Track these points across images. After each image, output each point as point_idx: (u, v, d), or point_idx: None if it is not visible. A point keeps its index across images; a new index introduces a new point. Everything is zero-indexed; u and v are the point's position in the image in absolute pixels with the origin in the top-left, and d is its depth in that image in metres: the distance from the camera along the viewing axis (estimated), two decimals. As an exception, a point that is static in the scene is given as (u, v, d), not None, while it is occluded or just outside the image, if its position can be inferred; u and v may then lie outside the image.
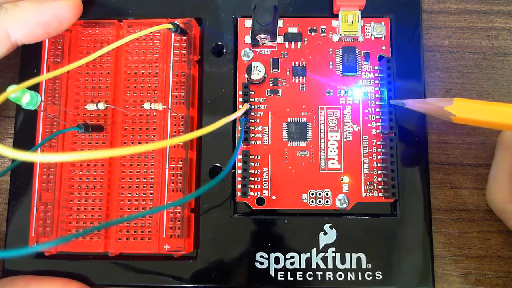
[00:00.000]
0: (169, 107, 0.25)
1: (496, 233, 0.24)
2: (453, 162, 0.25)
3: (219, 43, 0.26)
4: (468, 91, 0.26)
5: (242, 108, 0.21)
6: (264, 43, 0.26)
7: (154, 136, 0.25)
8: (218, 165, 0.25)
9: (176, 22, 0.25)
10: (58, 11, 0.23)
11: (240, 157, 0.24)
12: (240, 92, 0.25)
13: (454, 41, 0.26)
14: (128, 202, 0.24)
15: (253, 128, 0.25)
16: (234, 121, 0.25)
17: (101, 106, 0.22)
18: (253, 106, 0.25)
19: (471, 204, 0.25)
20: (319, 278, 0.24)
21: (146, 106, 0.23)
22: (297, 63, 0.26)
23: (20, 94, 0.18)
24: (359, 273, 0.24)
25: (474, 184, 0.25)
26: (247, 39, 0.26)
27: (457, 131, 0.26)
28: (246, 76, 0.25)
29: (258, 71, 0.25)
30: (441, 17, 0.26)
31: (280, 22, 0.26)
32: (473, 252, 0.24)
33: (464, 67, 0.26)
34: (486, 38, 0.26)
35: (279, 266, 0.24)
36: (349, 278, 0.24)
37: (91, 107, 0.23)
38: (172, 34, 0.25)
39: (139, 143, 0.25)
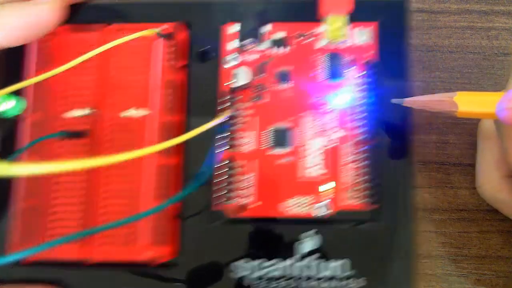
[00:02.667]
0: (155, 113, 0.25)
1: (496, 233, 0.24)
2: (453, 162, 0.25)
3: (206, 48, 0.26)
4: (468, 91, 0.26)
5: (218, 118, 0.21)
6: (250, 49, 0.26)
7: (139, 142, 0.25)
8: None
9: (162, 27, 0.26)
10: (41, 14, 0.24)
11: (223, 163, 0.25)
12: (225, 98, 0.26)
13: (454, 41, 0.26)
14: (110, 208, 0.24)
15: (236, 135, 0.25)
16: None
17: (83, 112, 0.23)
18: (235, 113, 0.25)
19: (471, 204, 0.25)
20: (301, 286, 0.24)
21: (129, 113, 0.23)
22: (282, 68, 0.26)
23: (3, 100, 0.19)
24: (341, 280, 0.24)
25: (474, 184, 0.25)
26: (233, 44, 0.26)
27: (457, 131, 0.25)
28: (231, 81, 0.26)
29: (242, 77, 0.25)
30: (441, 17, 0.26)
31: (267, 27, 0.26)
32: (473, 252, 0.24)
33: (464, 67, 0.25)
34: (486, 38, 0.26)
35: (260, 274, 0.24)
36: (331, 286, 0.24)
37: (75, 113, 0.23)
38: (158, 39, 0.26)
39: (123, 149, 0.25)
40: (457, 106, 0.18)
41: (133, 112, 0.23)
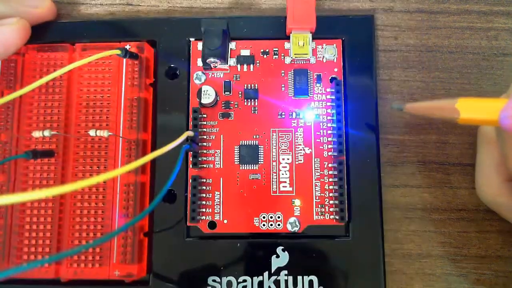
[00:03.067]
0: (121, 133, 0.25)
1: (495, 233, 0.24)
2: (453, 162, 0.25)
3: (173, 65, 0.27)
4: (467, 91, 0.25)
5: (181, 137, 0.21)
6: (216, 66, 0.26)
7: (106, 160, 0.25)
8: (171, 189, 0.26)
9: (126, 47, 0.26)
10: (3, 36, 0.24)
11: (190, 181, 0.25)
12: (192, 116, 0.26)
13: (454, 41, 0.26)
14: (80, 227, 0.24)
15: (204, 152, 0.25)
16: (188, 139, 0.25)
17: (47, 133, 0.23)
18: (198, 132, 0.25)
19: (470, 204, 0.25)
20: (271, 302, 0.24)
21: (92, 133, 0.23)
22: (249, 85, 0.26)
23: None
24: (309, 297, 0.24)
25: (474, 184, 0.25)
26: (200, 62, 0.26)
27: (457, 131, 0.25)
28: (198, 99, 0.26)
29: (209, 95, 0.25)
30: (440, 17, 0.26)
31: (232, 45, 0.26)
32: (473, 252, 0.24)
33: (463, 67, 0.26)
34: (485, 39, 0.26)
35: (231, 291, 0.24)
36: (300, 302, 0.24)
37: (37, 134, 0.23)
38: (123, 58, 0.26)
39: (91, 168, 0.25)
40: (459, 112, 0.18)
41: (98, 132, 0.23)
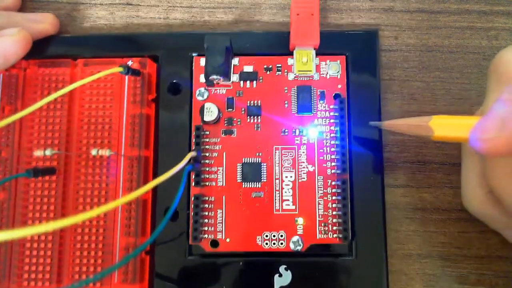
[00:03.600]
0: (122, 150, 0.25)
1: (495, 233, 0.24)
2: (453, 162, 0.25)
3: (175, 81, 0.26)
4: (467, 91, 0.25)
5: (184, 160, 0.21)
6: (219, 83, 0.26)
7: (107, 177, 0.25)
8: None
9: (128, 63, 0.25)
10: (3, 46, 0.24)
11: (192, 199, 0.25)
12: (195, 133, 0.25)
13: (454, 41, 0.26)
14: (80, 246, 0.24)
15: (207, 169, 0.25)
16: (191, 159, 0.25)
17: (48, 152, 0.23)
18: (201, 151, 0.25)
19: None
20: (275, 321, 0.24)
21: (94, 152, 0.23)
22: (252, 102, 0.25)
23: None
24: (313, 316, 0.24)
25: None
26: (203, 78, 0.26)
27: None
28: (200, 116, 0.26)
29: (211, 113, 0.25)
30: (441, 17, 0.26)
31: (235, 61, 0.26)
32: (473, 252, 0.24)
33: (464, 67, 0.26)
34: (486, 38, 0.26)
35: (234, 310, 0.24)
36: (303, 321, 0.24)
37: (38, 153, 0.23)
38: (125, 75, 0.26)
39: (93, 187, 0.25)
40: (432, 130, 0.18)
41: (100, 151, 0.23)
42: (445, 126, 0.19)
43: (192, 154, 0.23)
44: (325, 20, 0.27)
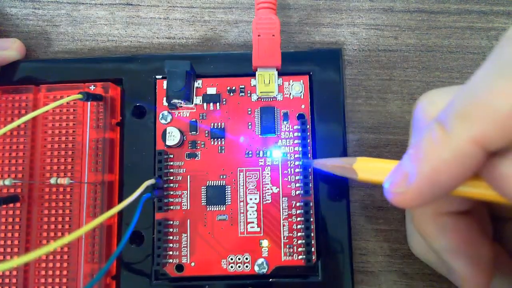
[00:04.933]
0: (86, 175, 0.25)
1: None
2: None
3: (139, 104, 0.27)
4: None
5: (140, 188, 0.21)
6: (181, 106, 0.26)
7: (71, 204, 0.25)
8: (139, 230, 0.25)
9: (90, 87, 0.26)
10: None
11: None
12: (159, 156, 0.25)
13: (454, 41, 0.26)
14: (45, 273, 0.24)
15: (171, 193, 0.25)
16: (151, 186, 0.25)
17: (8, 182, 0.23)
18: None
19: None
20: None
21: (53, 181, 0.23)
22: (216, 124, 0.25)
23: None
24: None
25: None
26: (165, 101, 0.26)
27: None
28: (163, 139, 0.26)
29: (173, 137, 0.25)
30: (441, 17, 0.26)
31: (198, 83, 0.26)
32: None
33: (463, 67, 0.26)
34: (485, 38, 0.26)
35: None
36: None
37: (4, 181, 0.23)
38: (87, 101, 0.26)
39: (56, 214, 0.25)
40: (356, 173, 0.18)
41: (59, 180, 0.23)
42: (368, 170, 0.18)
43: (148, 183, 0.22)
44: (325, 20, 0.27)
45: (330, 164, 0.21)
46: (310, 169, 0.25)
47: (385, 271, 0.25)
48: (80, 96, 0.24)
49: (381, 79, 0.26)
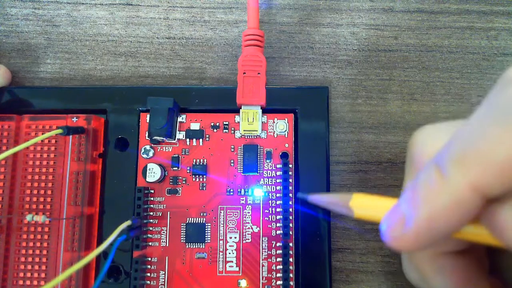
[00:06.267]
0: (65, 209, 0.25)
1: None
2: None
3: (122, 136, 0.26)
4: (467, 91, 0.26)
5: (114, 232, 0.21)
6: (164, 141, 0.26)
7: (49, 237, 0.25)
8: (117, 265, 0.25)
9: (73, 119, 0.26)
10: None
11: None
12: (139, 191, 0.25)
13: (454, 41, 0.26)
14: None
15: (150, 229, 0.25)
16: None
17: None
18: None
19: None
20: None
21: (28, 218, 0.23)
22: (198, 161, 0.25)
23: None
24: None
25: None
26: (147, 137, 0.25)
27: None
28: (144, 174, 0.25)
29: (154, 174, 0.25)
30: (440, 17, 0.26)
31: (182, 118, 0.26)
32: None
33: (463, 67, 0.26)
34: (485, 38, 0.26)
35: None
36: None
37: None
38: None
39: (34, 245, 0.25)
40: (352, 211, 0.18)
41: (35, 217, 0.23)
42: (364, 208, 0.18)
43: (123, 225, 0.22)
44: (325, 20, 0.27)
45: (326, 201, 0.21)
46: (291, 209, 0.25)
47: (385, 271, 0.24)
48: (60, 131, 0.23)
49: (381, 79, 0.26)
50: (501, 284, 0.20)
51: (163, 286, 0.24)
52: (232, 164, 0.25)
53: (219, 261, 0.25)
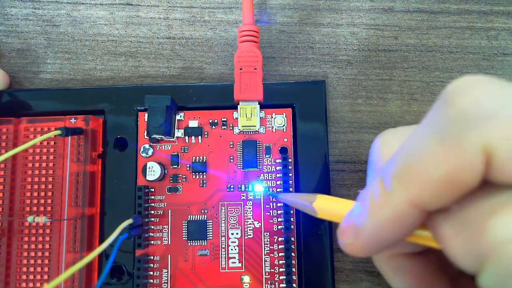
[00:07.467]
0: (65, 210, 0.25)
1: None
2: None
3: (121, 136, 0.27)
4: None
5: (115, 232, 0.21)
6: (162, 140, 0.26)
7: (51, 238, 0.25)
8: (120, 265, 0.25)
9: (71, 120, 0.26)
10: None
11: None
12: (140, 190, 0.25)
13: (454, 41, 0.26)
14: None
15: (152, 228, 0.25)
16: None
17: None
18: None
19: None
20: None
21: (30, 219, 0.23)
22: (197, 158, 0.25)
23: None
24: None
25: None
26: (146, 135, 0.25)
27: None
28: (144, 173, 0.26)
29: (154, 172, 0.25)
30: (441, 17, 0.26)
31: (180, 116, 0.26)
32: None
33: (463, 67, 0.26)
34: (485, 38, 0.26)
35: None
36: None
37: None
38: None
39: (36, 247, 0.25)
40: (316, 212, 0.18)
41: (36, 218, 0.23)
42: (326, 209, 0.19)
43: (125, 224, 0.22)
44: (325, 20, 0.27)
45: (292, 200, 0.21)
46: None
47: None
48: (59, 132, 0.23)
49: (381, 79, 0.26)
50: (472, 283, 0.20)
51: (166, 284, 0.25)
52: (231, 160, 0.25)
53: (221, 257, 0.25)
